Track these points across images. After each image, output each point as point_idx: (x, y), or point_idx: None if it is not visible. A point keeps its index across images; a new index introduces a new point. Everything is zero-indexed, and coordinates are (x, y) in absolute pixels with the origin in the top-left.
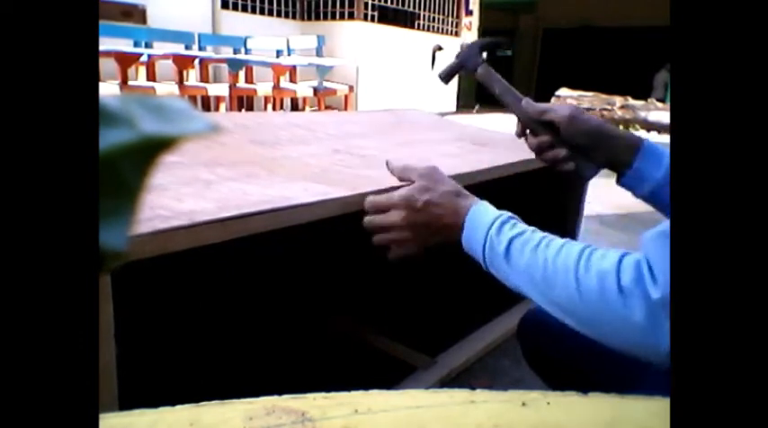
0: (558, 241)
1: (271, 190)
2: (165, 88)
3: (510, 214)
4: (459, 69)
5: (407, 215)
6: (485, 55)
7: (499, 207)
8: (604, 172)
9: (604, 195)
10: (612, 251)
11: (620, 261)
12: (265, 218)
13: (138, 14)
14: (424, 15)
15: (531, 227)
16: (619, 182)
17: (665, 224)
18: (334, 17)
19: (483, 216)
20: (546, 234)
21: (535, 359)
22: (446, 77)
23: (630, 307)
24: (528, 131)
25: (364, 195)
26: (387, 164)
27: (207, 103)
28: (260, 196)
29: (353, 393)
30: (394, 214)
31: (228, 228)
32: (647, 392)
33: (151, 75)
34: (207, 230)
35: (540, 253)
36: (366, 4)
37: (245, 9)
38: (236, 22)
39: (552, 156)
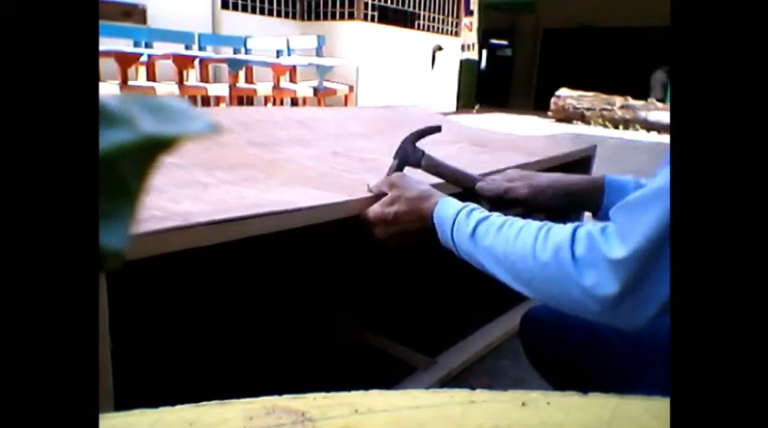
0: (520, 221)
1: (268, 194)
2: (165, 88)
3: (474, 205)
4: (402, 167)
5: (384, 229)
6: (421, 147)
7: (499, 207)
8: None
9: None
10: (569, 224)
11: (573, 232)
12: (261, 222)
13: (138, 14)
14: (424, 15)
15: (496, 213)
16: (594, 218)
17: (629, 196)
18: (334, 17)
19: (448, 209)
20: (510, 217)
21: (536, 357)
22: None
23: (584, 275)
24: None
25: (361, 200)
26: (368, 188)
27: (207, 103)
28: (256, 200)
29: (353, 393)
30: (376, 230)
31: (223, 230)
32: (647, 390)
33: (151, 75)
34: (201, 232)
35: (503, 232)
36: (366, 4)
37: (245, 9)
38: (236, 22)
39: None
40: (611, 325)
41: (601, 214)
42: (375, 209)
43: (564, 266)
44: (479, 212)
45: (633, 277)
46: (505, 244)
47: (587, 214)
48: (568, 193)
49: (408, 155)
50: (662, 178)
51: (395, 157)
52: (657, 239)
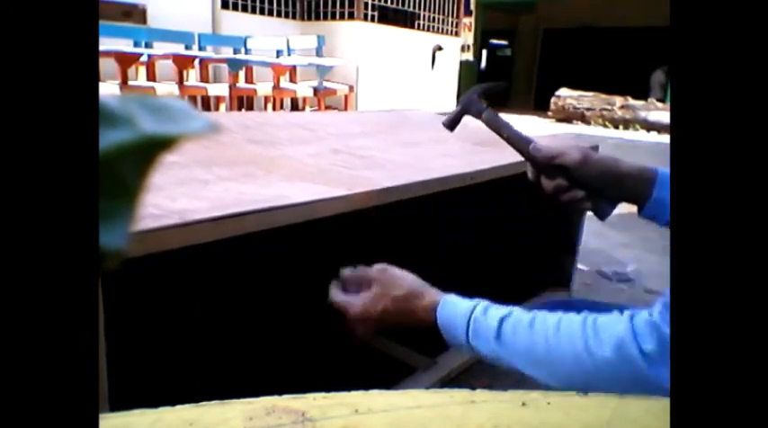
0: (552, 315)
1: (267, 190)
2: (165, 88)
3: (480, 300)
4: (463, 115)
5: (370, 324)
6: (484, 103)
7: (500, 207)
8: None
9: None
10: (616, 314)
11: (632, 324)
12: (259, 218)
13: (138, 14)
14: (424, 15)
15: (513, 307)
16: (640, 213)
17: None
18: (334, 17)
19: (456, 310)
20: (534, 310)
21: None
22: (451, 125)
23: (661, 373)
24: (542, 175)
25: (361, 195)
26: (340, 276)
27: (207, 103)
28: (255, 196)
29: (353, 393)
30: (358, 327)
31: (221, 227)
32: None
33: (151, 75)
34: (199, 229)
35: (537, 329)
36: (366, 4)
37: (245, 9)
38: (236, 22)
39: (569, 198)
40: None
41: (648, 209)
42: (358, 308)
43: (631, 363)
44: (495, 309)
45: None
46: (546, 343)
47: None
48: (617, 175)
49: (472, 104)
50: None
51: (458, 104)
52: None
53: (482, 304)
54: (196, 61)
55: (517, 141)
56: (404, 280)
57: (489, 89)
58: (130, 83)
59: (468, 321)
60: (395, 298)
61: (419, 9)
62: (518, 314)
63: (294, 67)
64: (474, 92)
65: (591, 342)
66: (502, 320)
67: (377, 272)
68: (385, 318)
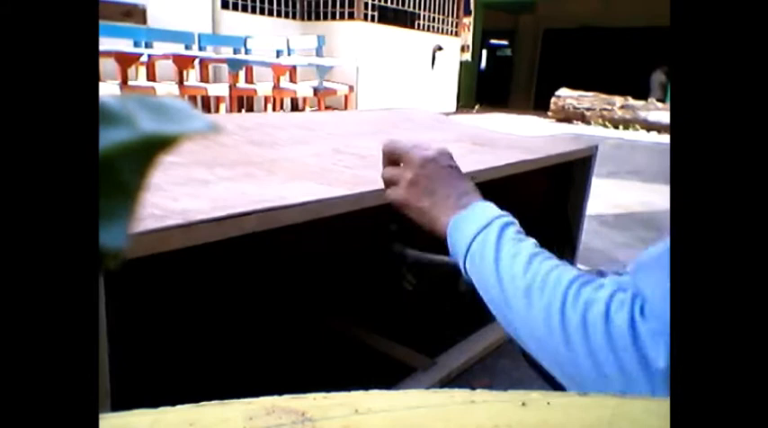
0: (549, 257)
1: (268, 190)
2: (165, 88)
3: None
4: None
5: (421, 171)
6: None
7: (500, 207)
8: (603, 173)
9: (604, 195)
10: (605, 281)
11: (612, 291)
12: (260, 218)
13: (138, 14)
14: (424, 15)
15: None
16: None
17: (661, 245)
18: (334, 17)
19: (487, 209)
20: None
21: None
22: None
23: (625, 372)
24: None
25: (361, 195)
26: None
27: (207, 103)
28: (256, 196)
29: (353, 393)
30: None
31: (222, 227)
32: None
33: (151, 75)
34: (200, 229)
35: (533, 264)
36: (366, 4)
37: (245, 9)
38: (236, 22)
39: None
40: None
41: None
42: (428, 153)
43: (592, 335)
44: (518, 231)
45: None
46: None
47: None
48: None
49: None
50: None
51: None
52: None
53: (505, 219)
54: (196, 61)
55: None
56: (438, 182)
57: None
58: (130, 83)
59: (469, 248)
60: (459, 172)
61: (419, 9)
62: (530, 243)
63: (294, 67)
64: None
65: (569, 300)
66: (504, 232)
67: (415, 164)
68: (442, 172)
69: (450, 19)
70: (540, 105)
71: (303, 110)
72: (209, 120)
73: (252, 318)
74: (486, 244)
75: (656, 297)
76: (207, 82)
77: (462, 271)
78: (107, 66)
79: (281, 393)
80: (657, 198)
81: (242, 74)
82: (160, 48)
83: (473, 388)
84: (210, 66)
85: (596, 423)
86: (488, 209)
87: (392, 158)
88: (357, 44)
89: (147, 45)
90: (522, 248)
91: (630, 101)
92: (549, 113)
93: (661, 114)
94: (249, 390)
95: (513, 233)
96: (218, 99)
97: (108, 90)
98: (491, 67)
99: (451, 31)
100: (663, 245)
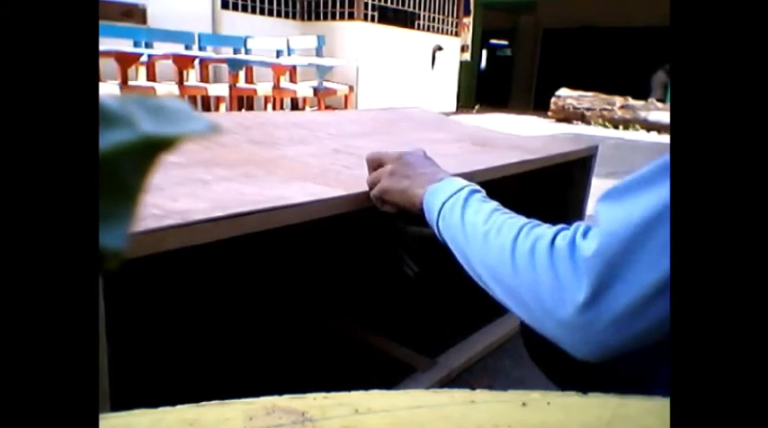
0: (510, 214)
1: (267, 190)
2: (165, 88)
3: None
4: None
5: (379, 185)
6: None
7: None
8: (603, 173)
9: None
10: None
11: (560, 228)
12: (259, 218)
13: (138, 14)
14: (424, 15)
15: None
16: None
17: (625, 179)
18: (334, 17)
19: (459, 181)
20: (506, 211)
21: (538, 353)
22: None
23: (555, 265)
24: None
25: (360, 195)
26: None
27: (207, 103)
28: (256, 196)
29: (353, 393)
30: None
31: (222, 228)
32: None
33: (151, 75)
34: (200, 230)
35: (493, 216)
36: (366, 4)
37: (245, 9)
38: (236, 22)
39: None
40: (582, 347)
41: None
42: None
43: (538, 255)
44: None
45: (604, 277)
46: (489, 229)
47: None
48: None
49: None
50: (644, 171)
51: None
52: (630, 238)
53: (471, 187)
54: (196, 61)
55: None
56: (412, 167)
57: None
58: (130, 83)
59: (452, 195)
60: (427, 161)
61: (419, 9)
62: (493, 203)
63: (294, 67)
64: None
65: (522, 235)
66: (471, 197)
67: (393, 158)
68: (411, 166)
69: (450, 19)
70: (540, 105)
71: (303, 110)
72: (209, 121)
73: (252, 318)
74: (456, 204)
75: (603, 222)
76: (207, 82)
77: (436, 232)
78: (107, 66)
79: (281, 393)
80: None
81: (242, 74)
82: (160, 48)
83: (473, 388)
84: (210, 66)
85: (596, 423)
86: (460, 181)
87: (374, 165)
88: (357, 44)
89: (147, 45)
90: (485, 206)
91: (630, 101)
92: (549, 113)
93: (661, 114)
94: (249, 390)
95: (480, 196)
96: (218, 99)
97: (108, 90)
98: (491, 67)
99: (451, 31)
100: (623, 180)
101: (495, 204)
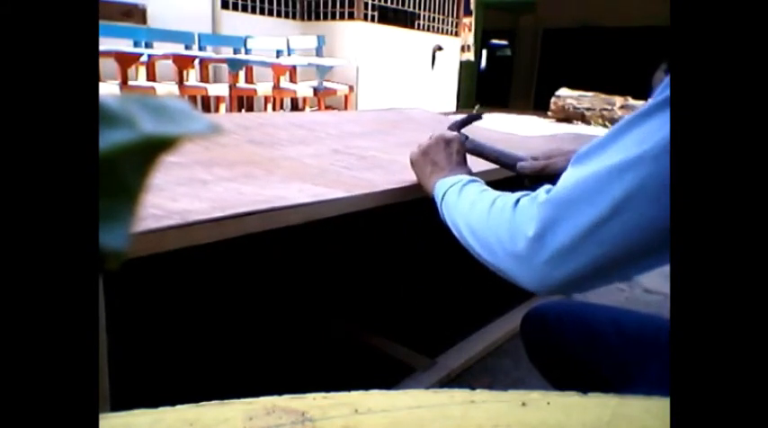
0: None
1: (267, 190)
2: (165, 88)
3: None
4: None
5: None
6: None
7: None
8: None
9: None
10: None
11: (520, 196)
12: (259, 218)
13: (138, 14)
14: (424, 15)
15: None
16: None
17: (591, 142)
18: (334, 17)
19: (466, 175)
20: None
21: (537, 355)
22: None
23: (516, 214)
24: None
25: (360, 197)
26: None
27: (207, 103)
28: (255, 196)
29: (353, 393)
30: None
31: (222, 228)
32: (645, 388)
33: (151, 75)
34: (199, 230)
35: (484, 193)
36: (366, 4)
37: (245, 9)
38: (236, 22)
39: None
40: (529, 277)
41: None
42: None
43: (505, 208)
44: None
45: (550, 217)
46: (479, 200)
47: None
48: None
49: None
50: (600, 140)
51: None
52: (576, 188)
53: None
54: (196, 61)
55: (504, 161)
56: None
57: (467, 121)
58: (130, 83)
59: (456, 182)
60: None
61: (419, 9)
62: (488, 189)
63: (294, 67)
64: (452, 127)
65: (500, 199)
66: (469, 184)
67: (434, 139)
68: (441, 147)
69: (450, 19)
70: (540, 105)
71: (303, 110)
72: (210, 121)
73: (252, 318)
74: (455, 187)
75: (562, 179)
76: (207, 82)
77: (440, 211)
78: (107, 66)
79: (281, 393)
80: None
81: (242, 74)
82: (160, 48)
83: (473, 388)
84: (210, 66)
85: (596, 423)
86: (467, 175)
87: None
88: (357, 44)
89: (147, 45)
90: (480, 187)
91: (630, 101)
92: (549, 113)
93: None
94: (249, 390)
95: (479, 184)
96: (218, 99)
97: (108, 90)
98: (491, 67)
99: (451, 31)
100: (584, 148)
101: (490, 189)
